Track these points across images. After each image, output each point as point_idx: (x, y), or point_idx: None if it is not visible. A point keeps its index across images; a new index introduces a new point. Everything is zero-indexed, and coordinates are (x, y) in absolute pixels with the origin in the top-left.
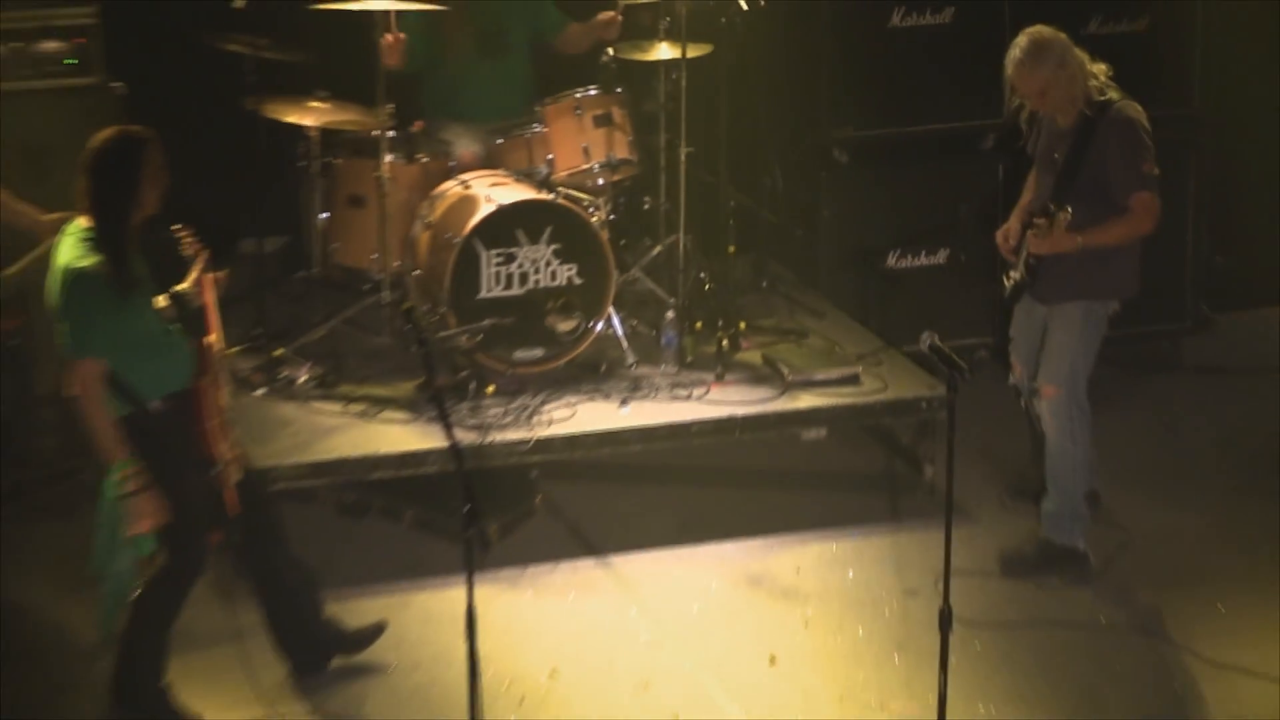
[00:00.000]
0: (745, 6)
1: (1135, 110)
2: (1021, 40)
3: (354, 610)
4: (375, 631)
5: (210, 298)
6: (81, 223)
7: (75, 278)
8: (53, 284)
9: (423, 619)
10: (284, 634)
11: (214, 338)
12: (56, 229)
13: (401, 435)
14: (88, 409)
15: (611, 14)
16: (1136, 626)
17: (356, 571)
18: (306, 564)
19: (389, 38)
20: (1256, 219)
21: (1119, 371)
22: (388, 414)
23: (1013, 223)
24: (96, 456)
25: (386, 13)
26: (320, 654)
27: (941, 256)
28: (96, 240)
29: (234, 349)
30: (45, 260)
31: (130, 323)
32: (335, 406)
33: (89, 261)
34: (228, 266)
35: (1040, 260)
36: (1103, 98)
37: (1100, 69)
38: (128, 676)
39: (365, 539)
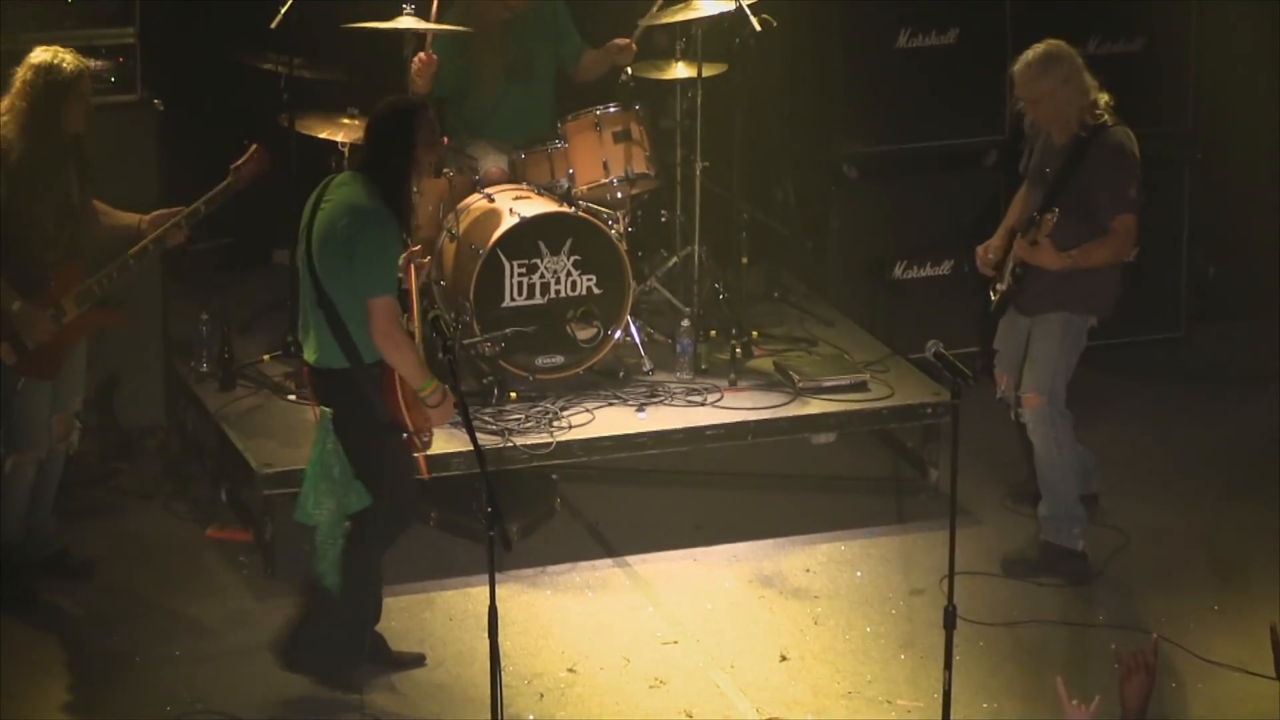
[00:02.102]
0: (759, 28)
1: (1127, 136)
2: (1039, 47)
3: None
4: (415, 661)
5: (412, 282)
6: (346, 176)
7: (379, 218)
8: (336, 224)
9: (446, 617)
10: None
11: (413, 318)
12: (159, 224)
13: None
14: (395, 340)
15: (626, 41)
16: (1134, 625)
17: (383, 571)
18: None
19: (420, 57)
20: (1249, 232)
21: (1115, 379)
22: None
23: (996, 239)
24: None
25: (419, 33)
26: (310, 664)
27: (946, 267)
28: (382, 195)
29: (267, 356)
30: (139, 258)
31: None
32: None
33: (383, 206)
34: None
35: (1026, 270)
36: (1096, 121)
37: (1104, 98)
38: (339, 629)
39: None
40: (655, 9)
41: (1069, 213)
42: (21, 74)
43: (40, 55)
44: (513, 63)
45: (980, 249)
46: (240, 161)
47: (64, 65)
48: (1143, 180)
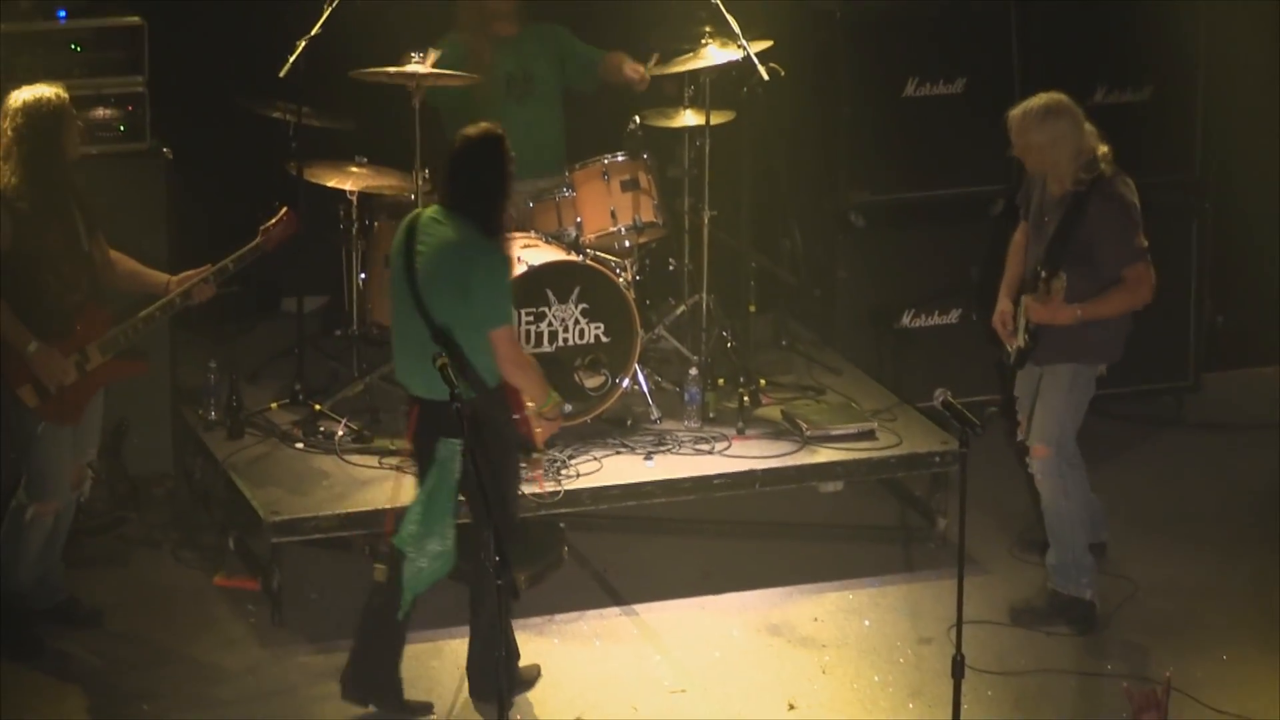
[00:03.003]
0: (766, 77)
1: (1126, 185)
2: (1041, 98)
3: None
4: (423, 709)
5: None
6: (436, 213)
7: (487, 250)
8: (445, 263)
9: (454, 665)
10: (364, 659)
11: None
12: (188, 283)
13: None
14: (522, 363)
15: (642, 72)
16: (1142, 674)
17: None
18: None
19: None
20: (1257, 281)
21: (1124, 427)
22: None
23: (1004, 303)
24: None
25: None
26: (372, 694)
27: (954, 316)
28: (483, 227)
29: (275, 404)
30: (165, 311)
31: None
32: (371, 460)
33: (487, 238)
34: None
35: (1040, 327)
36: (1093, 174)
37: (1102, 149)
38: (492, 656)
39: None
40: (652, 63)
41: (1073, 267)
42: (9, 122)
43: (20, 97)
44: (510, 79)
45: (996, 321)
46: (271, 223)
47: (48, 96)
48: (1146, 228)
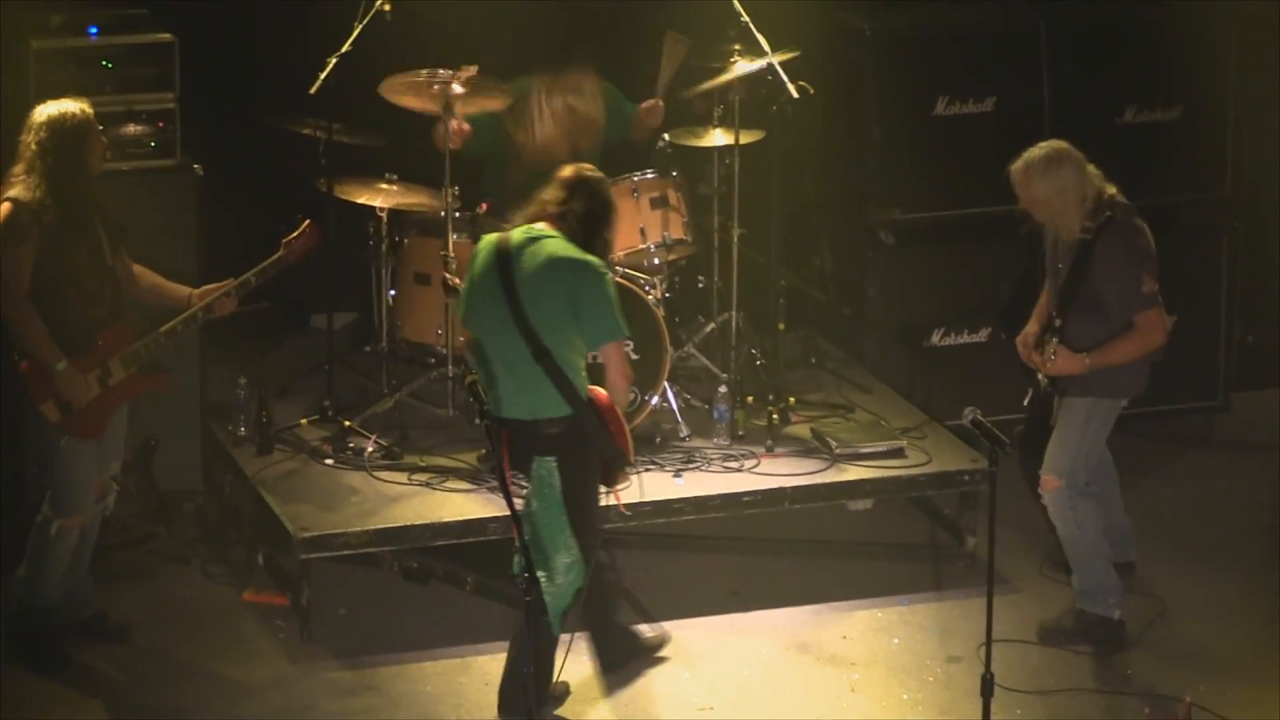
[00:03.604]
0: (796, 95)
1: (1133, 229)
2: (1042, 148)
3: (417, 671)
4: None
5: None
6: (533, 231)
7: (594, 266)
8: (551, 282)
9: (482, 682)
10: (513, 679)
11: None
12: (210, 297)
13: (463, 504)
14: (629, 373)
15: (653, 100)
16: (1170, 694)
17: (420, 635)
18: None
19: (455, 124)
20: None
21: (1153, 446)
22: (450, 483)
23: (1032, 325)
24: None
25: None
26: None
27: (983, 334)
28: (591, 248)
29: (304, 420)
30: (187, 325)
31: None
32: (400, 476)
33: (590, 256)
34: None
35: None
36: (1100, 220)
37: (1110, 190)
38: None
39: (428, 604)
40: (664, 79)
41: (1083, 313)
42: (34, 136)
43: (45, 111)
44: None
45: (1020, 343)
46: (293, 236)
47: (72, 111)
48: (1176, 248)
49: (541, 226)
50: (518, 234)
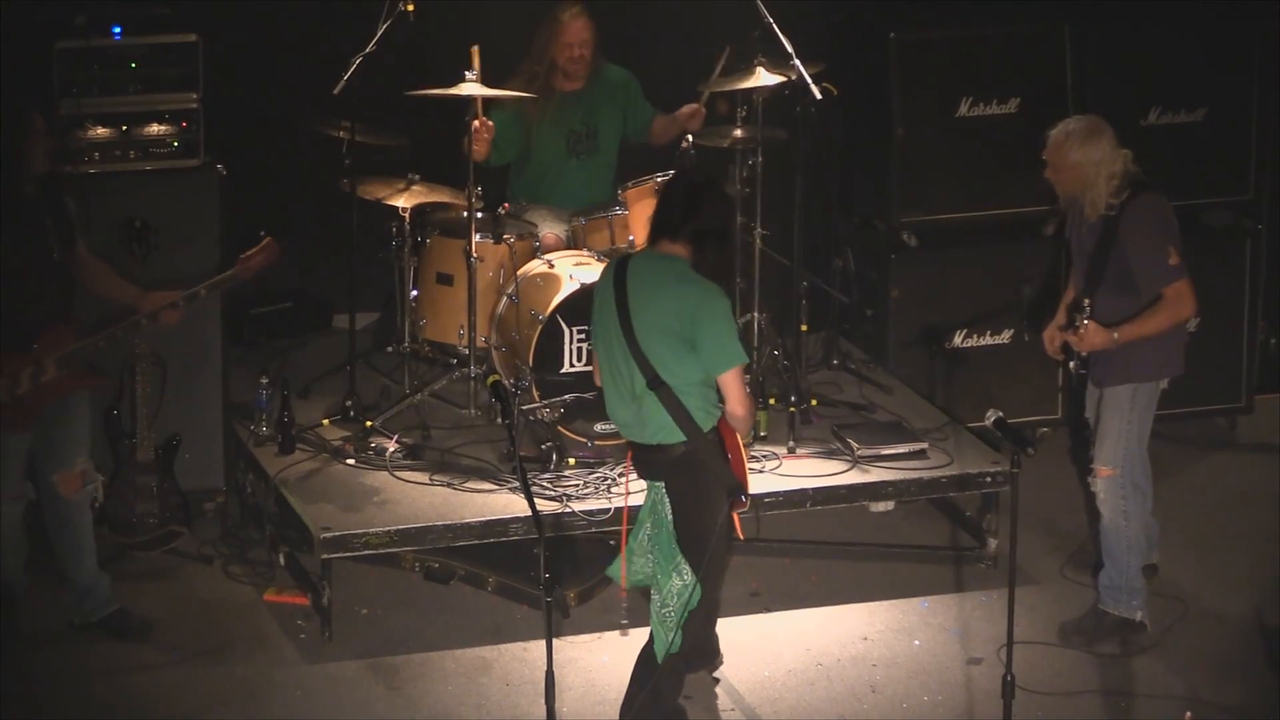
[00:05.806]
0: (819, 96)
1: (1156, 201)
2: (1082, 119)
3: (438, 672)
4: None
5: None
6: (652, 258)
7: (714, 293)
8: (671, 311)
9: (503, 682)
10: (634, 698)
11: None
12: (156, 305)
13: (485, 504)
14: (748, 401)
15: (696, 106)
16: (1191, 696)
17: (441, 635)
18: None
19: (477, 123)
20: None
21: (1176, 448)
22: (472, 484)
23: (1060, 317)
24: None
25: (476, 100)
26: None
27: (1006, 336)
28: (708, 271)
29: (326, 420)
30: (128, 331)
31: None
32: (422, 476)
33: (713, 283)
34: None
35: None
36: (1121, 198)
37: (1134, 171)
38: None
39: (449, 603)
40: (716, 73)
41: (1112, 289)
42: None
43: None
44: (576, 137)
45: (1046, 337)
46: (251, 252)
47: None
48: (1199, 249)
49: (660, 247)
50: (637, 258)
